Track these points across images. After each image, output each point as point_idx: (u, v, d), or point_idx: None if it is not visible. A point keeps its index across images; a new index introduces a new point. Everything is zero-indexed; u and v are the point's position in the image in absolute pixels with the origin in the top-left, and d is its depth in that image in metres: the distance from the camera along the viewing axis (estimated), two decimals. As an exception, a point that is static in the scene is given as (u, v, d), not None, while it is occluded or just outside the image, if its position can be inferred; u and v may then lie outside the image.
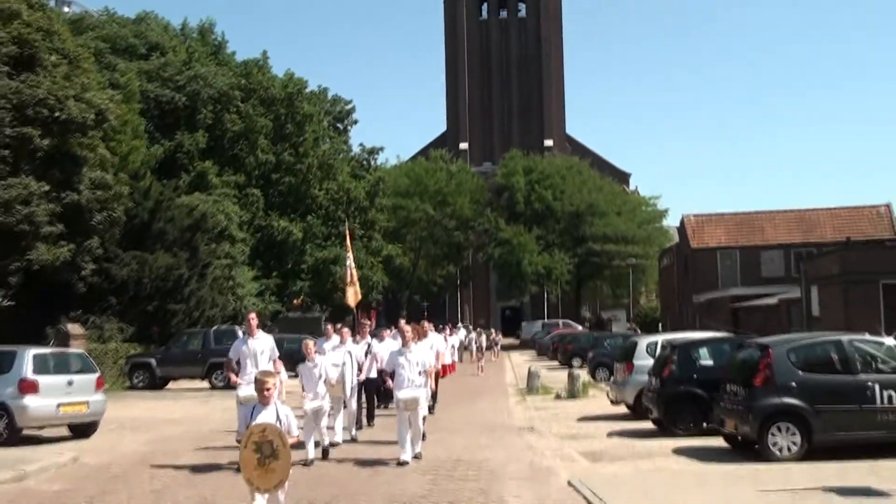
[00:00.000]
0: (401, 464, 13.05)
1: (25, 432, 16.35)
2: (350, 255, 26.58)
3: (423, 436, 14.26)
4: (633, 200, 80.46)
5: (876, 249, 41.13)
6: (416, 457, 13.42)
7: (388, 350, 18.48)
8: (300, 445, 12.20)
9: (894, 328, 14.55)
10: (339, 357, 14.96)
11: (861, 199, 56.90)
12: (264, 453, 7.43)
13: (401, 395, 13.34)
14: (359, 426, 17.07)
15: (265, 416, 7.86)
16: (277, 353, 14.00)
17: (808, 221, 55.83)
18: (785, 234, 55.25)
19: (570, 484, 11.49)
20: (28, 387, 16.06)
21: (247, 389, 12.73)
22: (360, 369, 16.52)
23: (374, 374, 17.28)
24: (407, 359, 13.61)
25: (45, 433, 17.10)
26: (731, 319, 47.80)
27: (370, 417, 18.31)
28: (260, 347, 13.71)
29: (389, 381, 14.12)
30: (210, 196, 43.81)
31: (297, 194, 53.84)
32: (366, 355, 17.20)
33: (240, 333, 32.94)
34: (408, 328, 14.67)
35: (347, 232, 28.83)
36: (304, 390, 13.76)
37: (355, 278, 25.98)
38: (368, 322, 19.95)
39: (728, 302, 51.01)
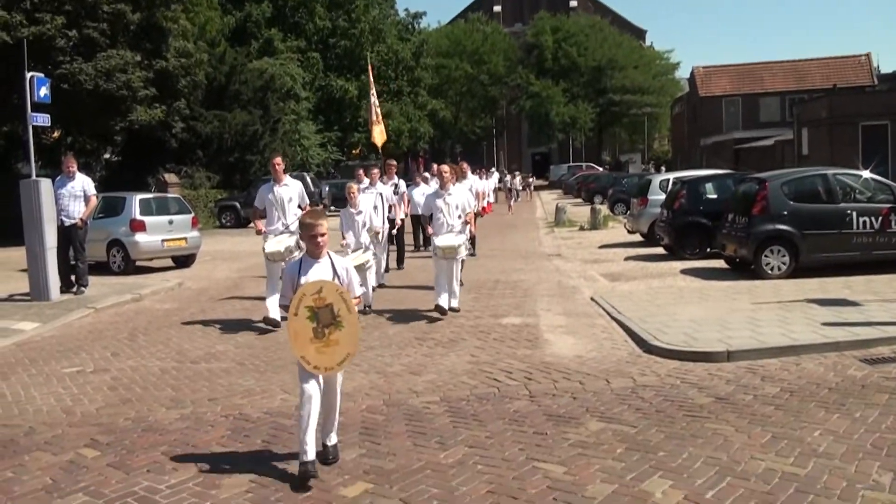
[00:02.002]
0: (438, 309, 10.65)
1: (138, 264, 16.96)
2: (373, 93, 21.29)
3: (460, 282, 11.67)
4: (648, 55, 78.38)
5: (857, 95, 40.31)
6: (453, 309, 10.90)
7: (421, 195, 17.26)
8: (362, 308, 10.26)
9: (871, 163, 14.38)
10: (369, 200, 12.20)
11: (845, 49, 55.69)
12: (322, 321, 5.07)
13: (439, 241, 10.72)
14: (386, 270, 15.01)
15: (318, 272, 5.28)
16: (308, 201, 11.08)
17: (801, 70, 54.66)
18: (781, 82, 54.12)
19: (592, 299, 11.73)
20: (137, 226, 16.58)
21: (273, 244, 10.35)
22: (390, 211, 14.29)
23: (400, 215, 15.98)
24: (445, 202, 10.96)
25: (154, 264, 17.69)
26: (733, 159, 47.22)
27: (399, 260, 16.50)
28: (287, 195, 10.69)
29: (430, 228, 11.12)
30: (276, 60, 43.32)
31: (351, 56, 52.96)
32: (393, 196, 15.65)
33: (308, 179, 33.43)
34: (446, 168, 11.43)
35: (370, 69, 23.16)
36: (343, 238, 11.37)
37: (380, 118, 20.95)
38: (395, 162, 16.96)
39: (731, 144, 50.33)
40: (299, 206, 10.73)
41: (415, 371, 7.88)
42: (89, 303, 12.58)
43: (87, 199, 13.74)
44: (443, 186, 11.17)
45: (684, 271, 14.50)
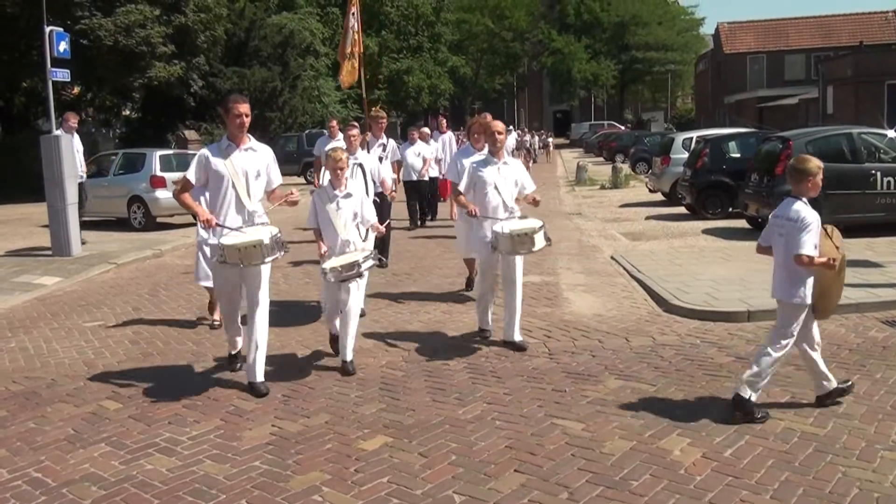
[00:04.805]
0: (514, 346, 7.03)
1: (159, 220, 16.97)
2: (353, 13, 13.99)
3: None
4: (672, 10, 77.20)
5: (883, 53, 39.56)
6: (518, 346, 7.00)
7: (416, 156, 15.27)
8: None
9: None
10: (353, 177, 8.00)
11: (872, 5, 54.56)
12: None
13: (503, 227, 6.85)
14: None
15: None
16: (280, 180, 6.41)
17: (827, 27, 53.94)
18: (807, 39, 53.41)
19: (612, 258, 11.67)
20: (158, 182, 16.61)
21: (231, 237, 5.92)
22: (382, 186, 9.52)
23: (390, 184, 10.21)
24: (501, 174, 7.16)
25: (174, 220, 17.75)
26: (757, 117, 46.69)
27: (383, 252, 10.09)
28: (253, 166, 6.20)
29: (472, 206, 7.14)
30: (296, 15, 43.12)
31: (370, 11, 52.57)
32: (380, 161, 10.07)
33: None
34: (500, 126, 7.25)
35: None
36: (319, 237, 6.78)
37: (355, 49, 13.75)
38: (384, 117, 11.86)
39: (755, 102, 49.75)
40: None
41: (434, 328, 7.91)
42: (110, 258, 12.70)
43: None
44: (495, 153, 7.24)
45: (706, 231, 14.39)
